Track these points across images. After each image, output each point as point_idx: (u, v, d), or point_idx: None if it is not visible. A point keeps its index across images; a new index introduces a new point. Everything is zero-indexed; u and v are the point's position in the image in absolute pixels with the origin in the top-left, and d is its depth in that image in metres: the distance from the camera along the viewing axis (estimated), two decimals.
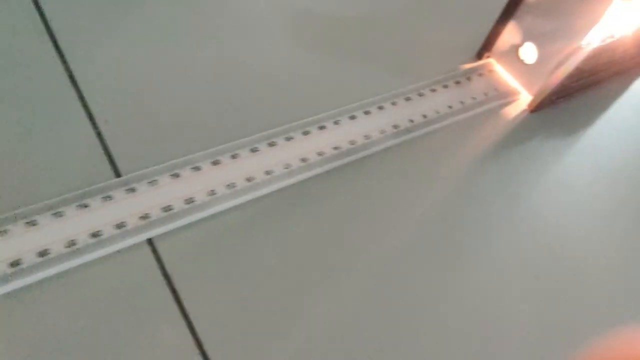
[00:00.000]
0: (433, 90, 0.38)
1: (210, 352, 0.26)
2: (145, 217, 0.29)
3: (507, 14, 0.38)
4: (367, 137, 0.35)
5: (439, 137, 0.36)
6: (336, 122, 0.35)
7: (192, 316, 0.27)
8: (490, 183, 0.35)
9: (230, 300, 0.27)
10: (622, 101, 0.42)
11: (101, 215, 0.28)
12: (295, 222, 0.31)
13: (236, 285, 0.28)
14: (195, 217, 0.29)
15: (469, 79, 0.39)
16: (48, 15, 0.35)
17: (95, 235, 0.28)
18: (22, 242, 0.27)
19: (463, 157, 0.36)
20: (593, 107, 0.41)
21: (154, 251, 0.28)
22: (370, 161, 0.34)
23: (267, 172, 0.32)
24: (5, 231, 0.27)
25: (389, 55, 0.40)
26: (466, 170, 0.35)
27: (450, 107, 0.37)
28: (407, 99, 0.37)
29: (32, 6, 0.36)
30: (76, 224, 0.28)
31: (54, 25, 0.35)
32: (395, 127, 0.36)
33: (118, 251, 0.28)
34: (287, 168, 0.32)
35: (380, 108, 0.36)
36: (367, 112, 0.36)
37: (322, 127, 0.35)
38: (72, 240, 0.27)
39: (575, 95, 0.40)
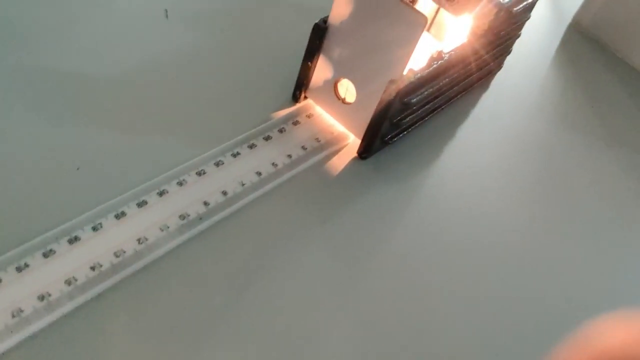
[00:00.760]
0: (251, 147, 0.31)
1: None
2: None
3: (312, 50, 0.32)
4: (143, 239, 0.26)
5: (259, 209, 0.29)
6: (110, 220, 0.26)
7: None
8: (317, 260, 0.28)
9: None
10: (468, 121, 0.38)
11: None
12: None
13: None
14: None
15: (281, 131, 0.32)
16: None
17: None
18: None
19: (285, 232, 0.28)
20: (434, 137, 0.36)
21: None
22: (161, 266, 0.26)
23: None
24: None
25: (187, 116, 0.32)
26: (288, 252, 0.28)
27: (258, 173, 0.30)
28: (218, 164, 0.29)
29: None
30: None
31: None
32: (188, 215, 0.27)
33: None
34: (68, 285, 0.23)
35: (180, 184, 0.28)
36: (161, 193, 0.27)
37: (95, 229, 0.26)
38: None
39: (413, 130, 0.35)
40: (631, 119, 0.42)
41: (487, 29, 0.34)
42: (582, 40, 0.49)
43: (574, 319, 0.28)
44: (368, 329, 0.26)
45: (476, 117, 0.39)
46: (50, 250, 0.24)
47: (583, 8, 0.49)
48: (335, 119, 0.34)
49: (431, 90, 0.32)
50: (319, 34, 0.31)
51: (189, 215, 0.27)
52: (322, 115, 0.34)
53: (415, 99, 0.31)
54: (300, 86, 0.34)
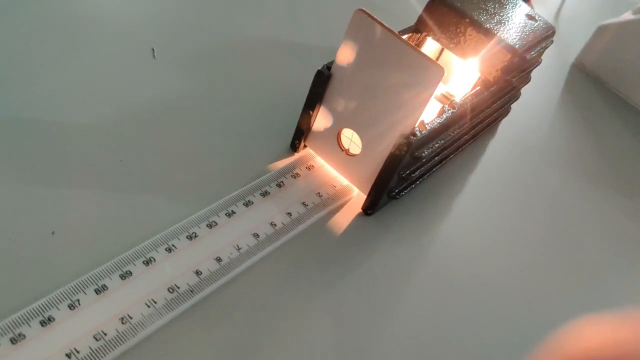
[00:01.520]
0: (247, 204, 0.28)
1: None
2: None
3: (313, 98, 0.29)
4: (127, 318, 0.23)
5: (256, 275, 0.26)
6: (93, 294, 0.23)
7: None
8: (321, 332, 0.25)
9: None
10: (477, 170, 0.36)
11: None
12: None
13: None
14: None
15: (279, 185, 0.30)
16: None
17: None
18: None
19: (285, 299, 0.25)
20: (442, 189, 0.33)
21: None
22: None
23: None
24: None
25: (175, 169, 0.29)
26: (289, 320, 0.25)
27: (255, 235, 0.27)
28: (211, 226, 0.26)
29: None
30: None
31: None
32: (177, 287, 0.24)
33: None
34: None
35: (169, 250, 0.25)
36: (147, 262, 0.24)
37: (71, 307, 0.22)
38: None
39: (422, 183, 0.32)
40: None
41: (500, 75, 0.32)
42: (586, 82, 0.47)
43: None
44: None
45: (484, 166, 0.36)
46: (20, 335, 0.21)
47: (586, 49, 0.48)
48: (338, 171, 0.31)
49: (442, 142, 0.30)
50: (322, 81, 0.29)
51: (178, 288, 0.24)
52: (323, 166, 0.31)
53: (426, 152, 0.29)
54: (300, 135, 0.31)
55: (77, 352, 0.21)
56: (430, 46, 0.35)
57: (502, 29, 0.33)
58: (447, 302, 0.28)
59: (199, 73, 0.35)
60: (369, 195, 0.30)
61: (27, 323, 0.21)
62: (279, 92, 0.35)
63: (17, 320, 0.21)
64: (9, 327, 0.21)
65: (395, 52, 0.26)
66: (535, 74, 0.37)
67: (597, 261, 0.33)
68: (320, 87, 0.29)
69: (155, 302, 0.23)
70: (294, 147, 0.32)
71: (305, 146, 0.32)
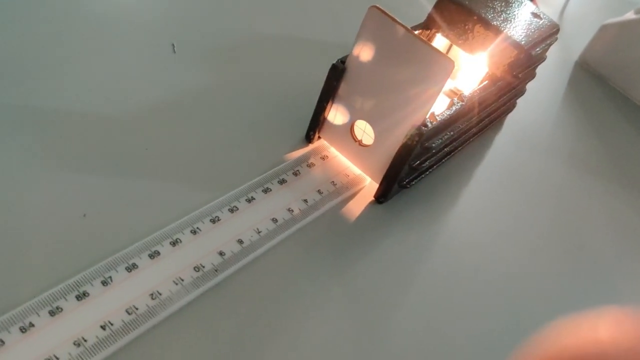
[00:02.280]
0: (266, 191, 0.29)
1: None
2: None
3: (328, 91, 0.31)
4: (156, 294, 0.24)
5: (275, 258, 0.27)
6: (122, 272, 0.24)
7: None
8: (336, 313, 0.26)
9: None
10: (483, 163, 0.37)
11: None
12: None
13: None
14: None
15: (296, 173, 0.31)
16: None
17: None
18: None
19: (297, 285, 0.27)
20: (450, 180, 0.35)
21: None
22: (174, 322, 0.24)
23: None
24: None
25: (197, 158, 0.30)
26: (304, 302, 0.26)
27: (274, 220, 0.29)
28: (233, 210, 0.28)
29: None
30: None
31: None
32: (203, 266, 0.26)
33: None
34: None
35: (194, 233, 0.26)
36: (174, 243, 0.26)
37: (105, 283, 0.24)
38: None
39: (431, 173, 0.34)
40: None
41: (506, 71, 0.34)
42: (589, 79, 0.49)
43: None
44: None
45: (491, 159, 0.38)
46: (57, 308, 0.22)
47: (590, 47, 0.49)
48: (351, 161, 0.33)
49: (451, 133, 0.31)
50: (337, 75, 0.30)
51: (204, 267, 0.25)
52: (336, 157, 0.33)
53: (436, 143, 0.30)
54: (315, 127, 0.33)
55: (112, 324, 0.22)
56: (438, 42, 0.36)
57: (508, 26, 0.34)
58: (454, 287, 0.29)
59: (218, 67, 0.36)
60: (380, 184, 0.31)
61: (64, 297, 0.23)
62: (293, 86, 0.36)
63: (54, 295, 0.23)
64: (48, 300, 0.22)
65: (407, 46, 0.27)
66: (540, 70, 0.38)
67: (601, 254, 0.34)
68: (335, 80, 0.30)
69: (182, 280, 0.25)
70: (308, 138, 0.33)
71: (319, 137, 0.33)
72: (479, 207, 0.34)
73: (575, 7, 0.57)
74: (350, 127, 0.31)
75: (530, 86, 0.40)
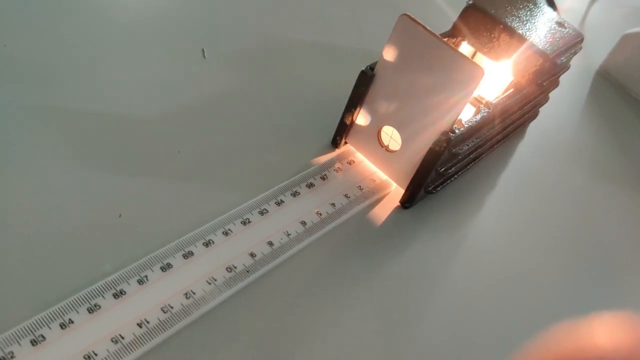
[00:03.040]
0: (294, 195, 0.30)
1: None
2: None
3: (356, 97, 0.31)
4: (190, 293, 0.25)
5: (303, 260, 0.28)
6: (141, 281, 0.25)
7: None
8: (362, 316, 0.27)
9: None
10: (507, 170, 0.37)
11: None
12: None
13: None
14: None
15: (323, 178, 0.32)
16: None
17: None
18: None
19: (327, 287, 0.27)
20: (475, 186, 0.35)
21: None
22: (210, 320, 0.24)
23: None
24: None
25: (227, 161, 0.31)
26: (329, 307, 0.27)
27: (303, 223, 0.29)
28: (263, 213, 0.28)
29: None
30: None
31: None
32: (235, 267, 0.26)
33: None
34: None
35: (226, 234, 0.27)
36: (207, 244, 0.26)
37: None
38: None
39: (456, 179, 0.34)
40: None
41: (531, 79, 0.34)
42: (610, 88, 0.49)
43: None
44: None
45: (514, 166, 0.38)
46: (96, 305, 0.23)
47: (611, 57, 0.49)
48: (377, 167, 0.33)
49: (477, 140, 0.32)
50: (365, 81, 0.31)
51: (235, 268, 0.26)
52: (363, 162, 0.33)
53: (463, 149, 0.31)
54: (342, 132, 0.33)
55: (147, 322, 0.23)
56: (463, 50, 0.36)
57: (533, 34, 0.35)
58: (478, 292, 0.30)
59: (247, 72, 0.37)
60: (407, 190, 0.31)
61: (102, 295, 0.23)
62: (320, 91, 0.37)
63: (93, 293, 0.23)
64: (86, 298, 0.23)
65: (437, 53, 0.28)
66: (561, 79, 0.38)
67: (623, 263, 0.34)
68: (364, 86, 0.31)
69: (215, 280, 0.25)
70: (335, 143, 0.34)
71: (346, 142, 0.34)
72: (502, 213, 0.34)
73: (595, 16, 0.57)
74: (377, 133, 0.32)
75: (552, 95, 0.40)
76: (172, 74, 0.35)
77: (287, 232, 0.28)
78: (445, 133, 0.29)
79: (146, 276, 0.24)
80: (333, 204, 0.30)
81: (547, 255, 0.33)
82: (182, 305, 0.24)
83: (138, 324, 0.23)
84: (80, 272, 0.24)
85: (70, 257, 0.25)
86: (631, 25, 0.49)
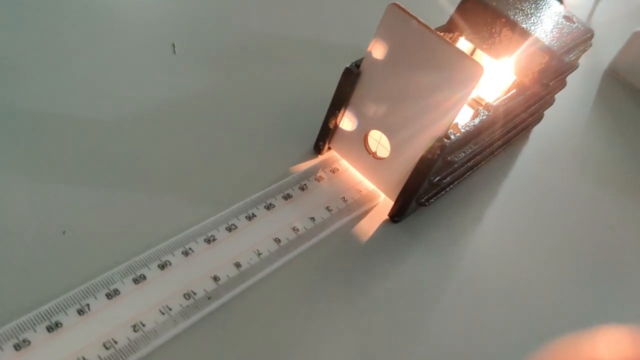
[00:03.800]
0: (268, 208, 0.26)
1: None
2: None
3: (340, 98, 0.28)
4: (139, 325, 0.21)
5: (277, 283, 0.24)
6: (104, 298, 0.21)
7: None
8: (345, 348, 0.23)
9: None
10: (508, 178, 0.34)
11: None
12: None
13: None
14: None
15: (302, 188, 0.28)
16: None
17: None
18: None
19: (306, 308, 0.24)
20: (473, 197, 0.32)
21: None
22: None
23: None
24: None
25: (194, 170, 0.28)
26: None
27: (277, 240, 0.26)
28: (230, 229, 0.25)
29: None
30: None
31: None
32: (194, 293, 0.23)
33: None
34: None
35: (186, 254, 0.23)
36: (163, 266, 0.23)
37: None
38: None
39: (452, 189, 0.31)
40: None
41: (536, 78, 0.31)
42: (619, 89, 0.45)
43: None
44: None
45: (516, 173, 0.35)
46: (24, 341, 0.19)
47: (620, 55, 0.46)
48: (364, 175, 0.30)
49: (475, 146, 0.28)
50: (350, 80, 0.27)
51: (195, 294, 0.22)
52: (348, 170, 0.30)
53: (459, 157, 0.27)
54: (325, 137, 0.30)
55: None
56: (461, 47, 0.33)
57: (539, 29, 0.31)
58: (478, 316, 0.26)
59: (221, 70, 0.33)
60: (396, 202, 0.28)
61: (33, 328, 0.20)
62: (302, 91, 0.33)
63: (22, 325, 0.20)
64: (13, 332, 0.19)
65: (431, 49, 0.24)
66: (567, 79, 0.35)
67: (632, 272, 0.31)
68: (348, 85, 0.27)
69: (170, 309, 0.22)
70: (317, 149, 0.30)
71: (329, 148, 0.30)
72: (504, 227, 0.31)
73: (603, 13, 0.54)
74: (363, 138, 0.28)
75: (557, 96, 0.36)
76: (137, 72, 0.31)
77: (257, 251, 0.25)
78: (439, 139, 0.25)
79: (88, 305, 0.21)
80: (312, 218, 0.27)
81: (554, 275, 0.30)
82: (129, 339, 0.20)
83: None
84: (11, 299, 0.21)
85: (13, 282, 0.21)
86: None
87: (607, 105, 0.44)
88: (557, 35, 0.32)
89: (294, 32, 0.38)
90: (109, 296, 0.21)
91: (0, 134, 0.26)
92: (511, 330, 0.26)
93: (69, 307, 0.21)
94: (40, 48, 0.30)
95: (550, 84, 0.31)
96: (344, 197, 0.28)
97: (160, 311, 0.21)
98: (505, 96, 0.30)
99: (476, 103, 0.34)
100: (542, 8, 0.33)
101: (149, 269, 0.23)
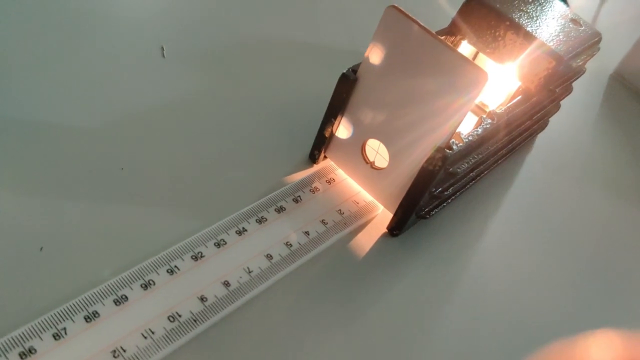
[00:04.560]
0: (260, 221, 0.25)
1: None
2: None
3: (336, 104, 0.26)
4: (119, 350, 0.20)
5: (269, 303, 0.23)
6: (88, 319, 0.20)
7: None
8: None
9: None
10: (512, 188, 0.32)
11: None
12: None
13: None
14: None
15: (296, 200, 0.27)
16: None
17: None
18: None
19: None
20: (476, 208, 0.30)
21: None
22: None
23: None
24: None
25: (181, 181, 0.26)
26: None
27: (269, 256, 0.24)
28: (219, 245, 0.23)
29: None
30: None
31: None
32: (179, 315, 0.21)
33: None
34: None
35: (171, 272, 0.22)
36: (146, 285, 0.21)
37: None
38: None
39: (453, 201, 0.29)
40: None
41: (541, 84, 0.29)
42: (625, 94, 0.44)
43: None
44: None
45: (521, 184, 0.33)
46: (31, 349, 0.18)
47: (626, 60, 0.45)
48: (361, 186, 0.28)
49: (479, 156, 0.27)
50: (347, 86, 0.26)
51: (180, 316, 0.21)
52: (345, 180, 0.28)
53: (461, 168, 0.26)
54: (320, 145, 0.28)
55: None
56: (463, 51, 0.32)
57: (544, 33, 0.30)
58: (481, 334, 0.25)
59: (212, 75, 0.32)
60: (395, 214, 0.27)
61: (5, 355, 0.18)
62: (297, 97, 0.32)
63: None
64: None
65: (432, 54, 0.23)
66: (573, 84, 0.34)
67: None
68: (345, 92, 0.26)
69: (152, 333, 0.20)
70: (313, 158, 0.29)
71: (325, 157, 0.29)
72: (508, 239, 0.30)
73: (608, 15, 0.52)
74: (361, 147, 0.27)
75: (562, 101, 0.35)
76: (121, 75, 0.30)
77: (248, 268, 0.23)
78: (440, 149, 0.24)
79: (64, 329, 0.19)
80: (307, 233, 0.25)
81: (561, 290, 0.28)
82: None
83: None
84: None
85: None
86: None
87: (613, 110, 0.42)
88: (564, 39, 0.30)
89: (289, 35, 0.37)
90: (87, 319, 0.20)
91: None
92: (517, 348, 0.25)
93: (45, 331, 0.19)
94: (23, 52, 0.29)
95: (557, 90, 0.30)
96: (340, 210, 0.27)
97: (143, 335, 0.20)
98: (510, 103, 0.28)
99: (479, 109, 0.32)
100: (547, 10, 0.32)
101: (131, 289, 0.21)
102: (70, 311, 0.20)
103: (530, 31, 0.29)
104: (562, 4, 0.33)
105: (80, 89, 0.28)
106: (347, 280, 0.25)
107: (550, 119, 0.36)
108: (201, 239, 0.23)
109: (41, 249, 0.22)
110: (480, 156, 0.27)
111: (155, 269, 0.22)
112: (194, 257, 0.23)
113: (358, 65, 0.26)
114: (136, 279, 0.21)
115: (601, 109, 0.42)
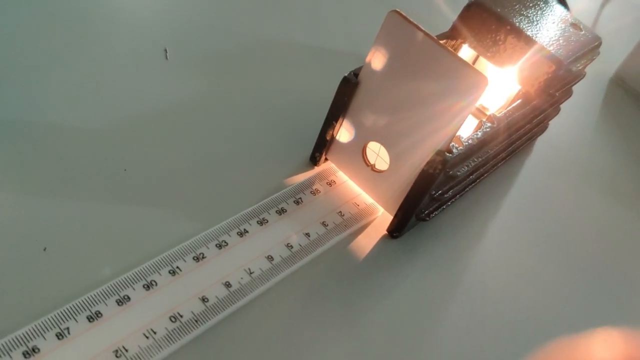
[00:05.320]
0: (261, 223, 0.25)
1: None
2: None
3: (338, 108, 0.27)
4: (122, 350, 0.20)
5: (269, 304, 0.23)
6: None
7: None
8: None
9: None
10: (512, 191, 0.33)
11: None
12: None
13: None
14: None
15: (297, 202, 0.27)
16: None
17: None
18: None
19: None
20: (476, 211, 0.30)
21: None
22: None
23: None
24: None
25: (183, 182, 0.26)
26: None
27: (270, 258, 0.24)
28: (221, 246, 0.24)
29: None
30: None
31: None
32: (180, 315, 0.22)
33: None
34: None
35: (173, 273, 0.22)
36: (148, 286, 0.22)
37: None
38: None
39: (453, 204, 0.29)
40: None
41: (541, 88, 0.29)
42: (626, 97, 0.44)
43: None
44: None
45: (520, 186, 0.33)
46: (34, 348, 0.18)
47: (626, 63, 0.45)
48: (362, 189, 0.28)
49: (479, 159, 0.27)
50: (348, 89, 0.26)
51: (182, 317, 0.21)
52: (345, 182, 0.29)
53: (461, 171, 0.26)
54: (321, 147, 0.28)
55: None
56: (464, 55, 0.32)
57: (544, 37, 0.30)
58: (482, 335, 0.25)
59: (214, 77, 0.32)
60: (395, 216, 0.27)
61: (9, 354, 0.19)
62: (299, 99, 0.32)
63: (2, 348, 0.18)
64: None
65: (433, 58, 0.23)
66: (573, 88, 0.34)
67: None
68: (346, 95, 0.26)
69: (154, 333, 0.20)
70: (314, 160, 0.29)
71: (326, 159, 0.29)
72: (508, 242, 0.30)
73: (608, 19, 0.53)
74: (362, 149, 0.27)
75: (562, 104, 0.35)
76: (125, 77, 0.30)
77: (249, 269, 0.23)
78: (440, 153, 0.24)
79: (67, 328, 0.20)
80: (307, 234, 0.26)
81: (561, 291, 0.28)
82: None
83: None
84: None
85: None
86: None
87: (613, 114, 0.42)
88: (564, 43, 0.31)
89: (290, 38, 0.37)
90: (90, 319, 0.20)
91: None
92: (517, 349, 0.25)
93: (48, 331, 0.19)
94: (27, 53, 0.29)
95: (557, 94, 0.30)
96: (340, 212, 0.27)
97: (145, 335, 0.20)
98: (510, 107, 0.29)
99: (479, 113, 0.33)
100: (548, 15, 0.32)
101: (134, 289, 0.21)
102: (73, 311, 0.20)
103: (531, 35, 0.30)
104: (562, 8, 0.34)
105: (84, 91, 0.28)
106: (347, 282, 0.25)
107: (550, 122, 0.36)
108: (203, 240, 0.24)
109: (45, 249, 0.22)
110: (480, 159, 0.27)
111: (158, 269, 0.22)
112: (195, 258, 0.23)
113: (359, 68, 0.26)
114: (138, 280, 0.22)
115: (601, 112, 0.42)
